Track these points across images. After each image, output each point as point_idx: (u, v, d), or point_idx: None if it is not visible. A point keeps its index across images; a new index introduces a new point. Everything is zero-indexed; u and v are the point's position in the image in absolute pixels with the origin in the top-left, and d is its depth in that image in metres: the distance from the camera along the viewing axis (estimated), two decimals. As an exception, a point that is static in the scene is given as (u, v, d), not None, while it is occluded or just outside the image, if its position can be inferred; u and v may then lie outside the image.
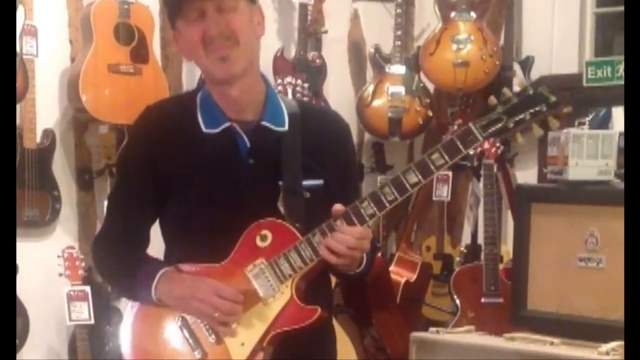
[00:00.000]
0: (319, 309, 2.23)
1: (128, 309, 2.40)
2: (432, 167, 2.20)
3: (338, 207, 2.21)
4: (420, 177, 2.20)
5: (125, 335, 2.36)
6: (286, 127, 2.33)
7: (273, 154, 2.30)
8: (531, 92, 2.21)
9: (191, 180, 2.29)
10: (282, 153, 2.30)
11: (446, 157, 2.20)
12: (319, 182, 2.32)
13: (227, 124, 2.30)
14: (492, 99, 2.23)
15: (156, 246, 2.44)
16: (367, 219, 2.21)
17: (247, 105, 2.32)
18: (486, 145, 4.20)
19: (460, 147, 2.19)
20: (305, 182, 2.29)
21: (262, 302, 2.25)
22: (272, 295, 2.24)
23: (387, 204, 2.21)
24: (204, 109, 2.33)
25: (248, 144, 2.30)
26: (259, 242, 2.26)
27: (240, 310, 2.23)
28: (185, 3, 2.24)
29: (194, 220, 2.30)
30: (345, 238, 2.19)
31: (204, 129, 2.30)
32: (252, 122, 2.31)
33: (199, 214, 2.30)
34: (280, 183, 2.28)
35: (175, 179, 2.31)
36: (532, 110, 2.20)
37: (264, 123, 2.31)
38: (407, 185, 2.20)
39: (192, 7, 2.23)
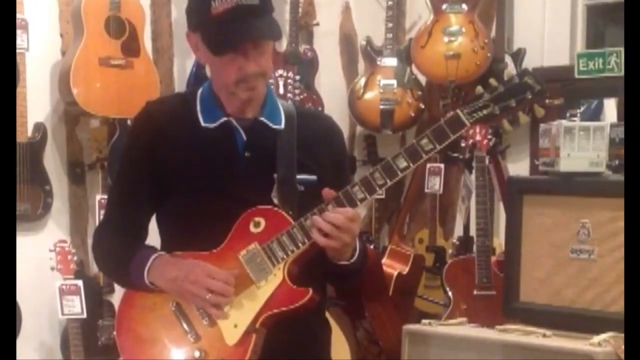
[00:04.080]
0: (311, 290, 2.28)
1: (122, 296, 2.44)
2: (421, 152, 2.27)
3: (329, 191, 2.27)
4: (409, 162, 2.27)
5: (119, 320, 2.41)
6: (282, 126, 2.42)
7: (269, 149, 2.38)
8: (517, 81, 2.29)
9: (189, 171, 2.37)
10: (277, 148, 2.37)
11: (435, 142, 2.27)
12: (313, 177, 2.39)
13: (224, 119, 2.38)
14: (479, 88, 2.32)
15: (153, 242, 2.47)
16: (358, 202, 2.27)
17: (249, 105, 2.39)
18: (478, 137, 4.21)
19: (448, 132, 2.26)
20: (299, 177, 2.37)
21: (255, 285, 2.30)
22: (265, 277, 2.30)
23: (377, 188, 2.28)
24: (203, 104, 2.42)
25: (245, 138, 2.38)
26: (252, 229, 2.32)
27: (232, 292, 2.28)
28: (232, 41, 2.27)
29: (190, 210, 2.37)
30: (334, 217, 2.24)
31: (202, 123, 2.39)
32: (250, 118, 2.40)
33: (196, 204, 2.36)
34: (275, 175, 2.34)
35: (173, 170, 2.38)
36: (517, 98, 2.28)
37: (262, 119, 2.40)
38: (397, 170, 2.27)
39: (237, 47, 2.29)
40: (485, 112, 2.27)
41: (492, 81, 2.31)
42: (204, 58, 2.39)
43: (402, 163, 2.27)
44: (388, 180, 2.27)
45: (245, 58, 2.28)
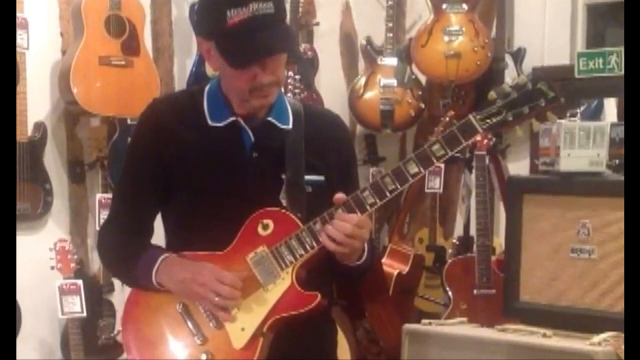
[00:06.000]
0: (319, 295, 2.27)
1: (128, 295, 2.44)
2: (432, 157, 2.27)
3: (339, 196, 2.27)
4: (420, 167, 2.27)
5: (124, 319, 2.40)
6: (290, 126, 2.40)
7: (277, 149, 2.36)
8: (530, 87, 2.27)
9: (195, 170, 2.35)
10: (285, 148, 2.36)
11: (447, 148, 2.26)
12: (321, 178, 2.38)
13: (232, 119, 2.37)
14: (492, 94, 2.29)
15: (158, 241, 2.47)
16: (368, 208, 2.27)
17: (260, 110, 2.38)
18: (478, 137, 4.20)
19: (461, 138, 2.26)
20: (307, 177, 2.36)
21: (263, 289, 2.29)
22: (273, 281, 2.29)
23: (388, 194, 2.28)
24: (210, 102, 2.40)
25: (252, 139, 2.37)
26: (260, 231, 2.31)
27: (239, 295, 2.27)
28: (251, 55, 2.25)
29: (197, 209, 2.36)
30: (344, 225, 2.23)
31: (209, 122, 2.37)
32: (258, 118, 2.38)
33: (202, 204, 2.35)
34: (283, 176, 2.33)
35: (179, 168, 2.36)
36: (531, 105, 2.26)
37: (270, 119, 2.39)
38: (408, 175, 2.27)
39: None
40: (497, 118, 2.26)
41: (505, 86, 2.28)
42: (216, 65, 2.36)
43: (413, 168, 2.27)
44: (399, 186, 2.27)
45: (261, 68, 2.27)
